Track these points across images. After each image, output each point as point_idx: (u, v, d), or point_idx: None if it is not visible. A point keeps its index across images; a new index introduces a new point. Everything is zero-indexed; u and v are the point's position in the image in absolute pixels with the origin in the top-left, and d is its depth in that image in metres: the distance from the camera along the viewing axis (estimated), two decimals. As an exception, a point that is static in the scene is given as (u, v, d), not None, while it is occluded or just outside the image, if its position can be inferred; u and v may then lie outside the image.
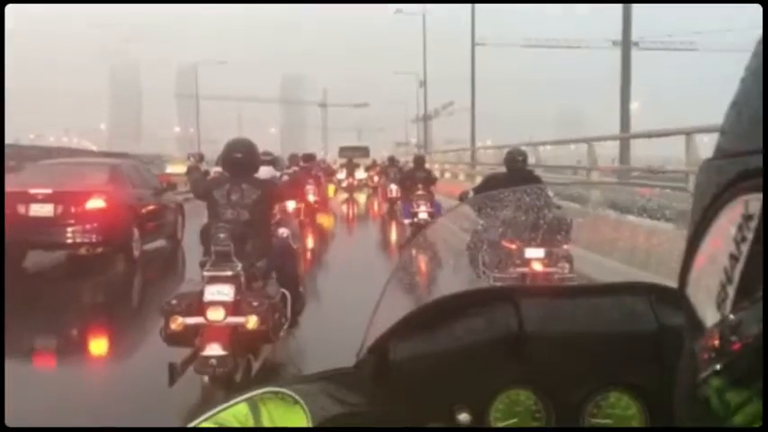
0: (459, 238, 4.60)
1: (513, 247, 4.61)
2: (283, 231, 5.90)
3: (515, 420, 1.02)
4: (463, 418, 0.98)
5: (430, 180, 13.31)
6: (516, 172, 6.55)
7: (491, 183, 6.76)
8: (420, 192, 12.40)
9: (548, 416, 1.02)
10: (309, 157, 17.16)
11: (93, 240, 9.46)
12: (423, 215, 11.84)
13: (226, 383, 4.32)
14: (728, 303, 0.37)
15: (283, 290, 4.97)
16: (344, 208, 21.98)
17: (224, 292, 4.23)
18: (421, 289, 1.59)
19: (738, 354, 0.33)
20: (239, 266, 4.36)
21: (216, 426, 0.83)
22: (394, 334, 1.06)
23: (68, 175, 10.28)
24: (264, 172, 8.46)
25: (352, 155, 32.65)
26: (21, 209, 9.23)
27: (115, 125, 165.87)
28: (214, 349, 4.10)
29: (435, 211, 11.73)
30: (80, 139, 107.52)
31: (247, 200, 4.77)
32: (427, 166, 16.14)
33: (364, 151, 37.55)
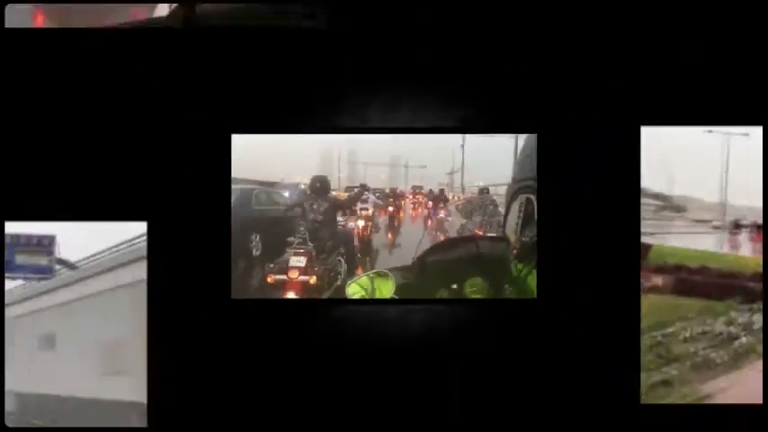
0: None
1: None
2: (351, 225, 7.46)
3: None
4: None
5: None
6: None
7: None
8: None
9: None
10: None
11: None
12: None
13: None
14: (518, 234, 2.03)
15: (340, 258, 6.41)
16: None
17: (300, 261, 5.88)
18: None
19: (523, 249, 1.95)
20: (311, 246, 5.98)
21: (358, 286, 1.77)
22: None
23: None
24: None
25: None
26: None
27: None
28: (290, 295, 5.86)
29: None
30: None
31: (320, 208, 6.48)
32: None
33: None
